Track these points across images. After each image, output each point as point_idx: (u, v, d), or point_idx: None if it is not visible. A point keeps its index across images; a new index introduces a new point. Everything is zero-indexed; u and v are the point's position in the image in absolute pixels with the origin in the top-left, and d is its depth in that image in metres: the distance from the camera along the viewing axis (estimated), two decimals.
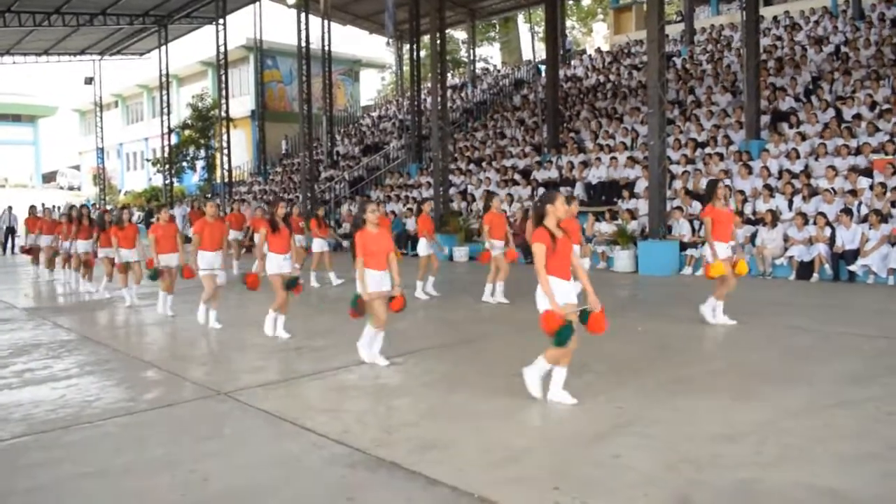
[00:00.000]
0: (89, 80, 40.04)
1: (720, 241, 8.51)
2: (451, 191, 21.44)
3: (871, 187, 13.17)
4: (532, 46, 30.48)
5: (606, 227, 15.74)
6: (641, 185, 16.69)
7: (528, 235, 11.47)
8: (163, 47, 33.55)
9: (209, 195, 34.39)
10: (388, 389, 6.39)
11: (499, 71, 36.11)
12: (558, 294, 5.52)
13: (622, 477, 4.24)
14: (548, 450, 4.72)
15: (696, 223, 14.37)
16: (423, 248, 12.17)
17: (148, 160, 42.25)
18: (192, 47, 40.53)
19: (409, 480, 4.31)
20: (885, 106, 15.83)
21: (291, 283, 8.69)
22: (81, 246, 14.04)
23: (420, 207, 13.36)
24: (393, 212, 21.35)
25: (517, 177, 20.72)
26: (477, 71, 36.35)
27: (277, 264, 8.68)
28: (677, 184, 16.23)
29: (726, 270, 8.40)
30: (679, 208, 15.03)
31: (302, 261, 13.97)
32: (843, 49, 20.07)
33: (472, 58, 36.32)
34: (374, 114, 38.36)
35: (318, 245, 14.13)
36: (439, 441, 4.93)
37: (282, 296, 8.61)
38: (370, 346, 7.20)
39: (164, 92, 34.01)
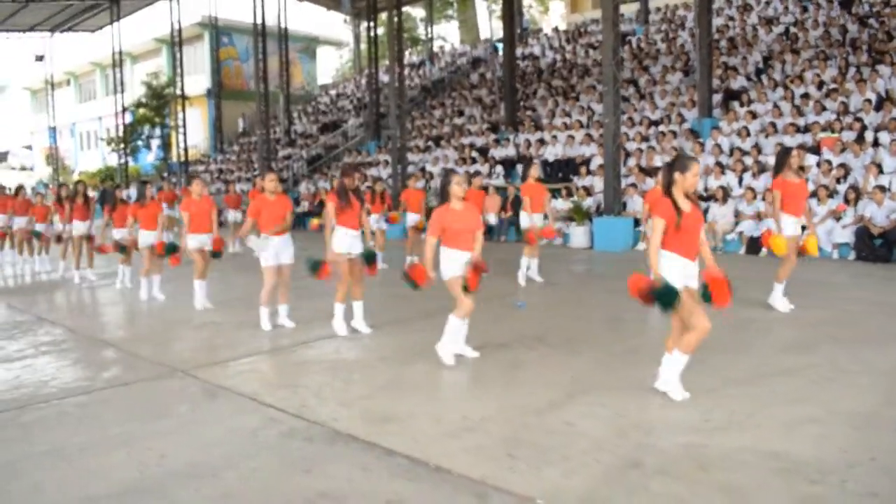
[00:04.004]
0: (40, 58, 39.02)
1: (790, 215, 7.85)
2: (410, 168, 21.43)
3: (819, 164, 13.51)
4: (489, 25, 30.47)
5: (562, 204, 15.91)
6: (597, 163, 16.89)
7: (489, 212, 11.03)
8: (115, 24, 32.80)
9: (164, 175, 33.90)
10: (346, 364, 6.46)
11: (456, 49, 36.03)
12: (677, 273, 4.90)
13: (575, 443, 4.38)
14: (502, 419, 4.83)
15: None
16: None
17: (102, 139, 41.39)
18: (146, 24, 39.77)
19: (366, 452, 4.39)
20: (832, 86, 16.21)
21: (371, 257, 7.45)
22: (78, 228, 12.31)
23: (470, 180, 11.77)
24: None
25: (475, 154, 20.79)
26: (434, 49, 36.22)
27: (347, 242, 7.33)
28: (632, 161, 16.46)
29: (786, 249, 7.78)
30: (633, 185, 15.26)
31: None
32: (793, 30, 20.44)
33: (429, 36, 36.16)
34: (332, 92, 38.05)
35: (374, 222, 12.47)
36: (396, 413, 5.02)
37: (346, 283, 7.35)
38: (455, 341, 6.28)
39: (118, 70, 33.30)
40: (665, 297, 4.82)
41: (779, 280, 8.06)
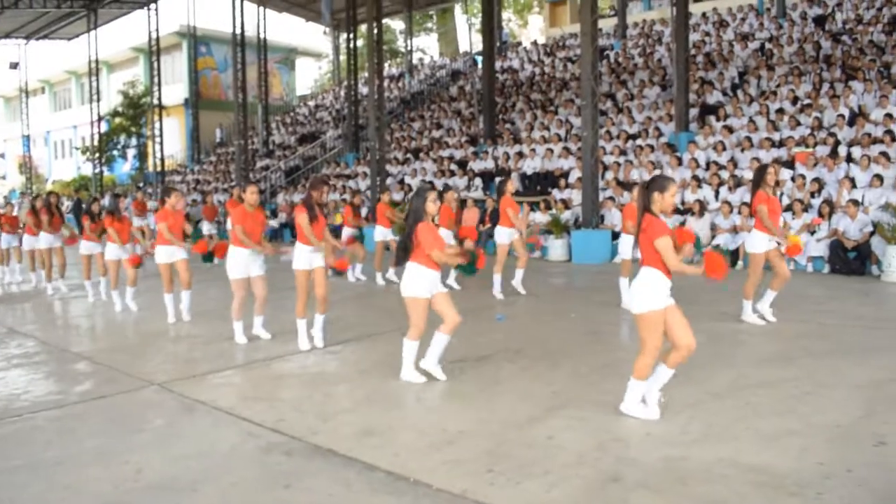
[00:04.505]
0: (14, 65, 38.66)
1: (764, 232, 7.88)
2: (389, 181, 21.43)
3: (793, 179, 13.68)
4: (469, 38, 30.63)
5: (541, 217, 15.96)
6: (575, 176, 16.98)
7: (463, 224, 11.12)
8: (92, 32, 32.55)
9: (140, 185, 33.62)
10: (324, 377, 6.41)
11: (435, 62, 36.16)
12: (660, 291, 4.89)
13: (555, 457, 4.37)
14: (483, 433, 4.82)
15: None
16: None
17: (77, 148, 41.01)
18: (123, 33, 39.44)
19: (346, 466, 4.36)
20: (807, 101, 16.45)
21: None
22: (45, 240, 12.33)
23: (441, 196, 11.90)
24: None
25: (454, 167, 20.82)
26: (414, 61, 36.32)
27: (307, 258, 7.28)
28: (609, 174, 16.57)
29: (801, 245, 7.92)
30: (611, 198, 15.36)
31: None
32: (768, 45, 20.74)
33: (409, 48, 36.28)
34: (311, 103, 38.00)
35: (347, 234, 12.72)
36: (376, 427, 4.99)
37: (305, 298, 7.34)
38: (413, 361, 6.18)
39: (94, 78, 33.03)
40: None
41: (746, 296, 8.14)
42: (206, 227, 17.71)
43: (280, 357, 7.13)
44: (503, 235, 10.37)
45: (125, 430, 5.13)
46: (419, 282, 6.00)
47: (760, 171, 8.00)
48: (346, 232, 12.95)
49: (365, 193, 21.11)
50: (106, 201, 21.87)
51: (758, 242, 7.97)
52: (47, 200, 12.73)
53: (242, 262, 7.76)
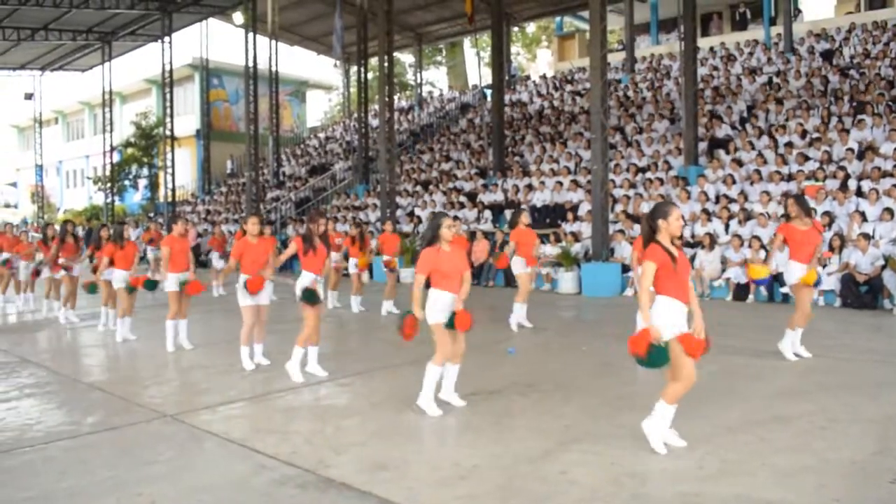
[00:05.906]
0: (29, 96, 39.22)
1: (798, 262, 7.83)
2: (398, 212, 21.53)
3: None
4: (478, 71, 30.92)
5: (551, 250, 15.98)
6: (584, 209, 17.03)
7: (478, 256, 11.19)
8: (106, 64, 33.04)
9: (151, 215, 33.82)
10: (336, 410, 6.41)
11: (444, 95, 36.48)
12: (673, 317, 4.92)
13: (569, 492, 4.35)
14: (496, 467, 4.80)
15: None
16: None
17: (89, 178, 41.38)
18: (137, 64, 40.04)
19: (360, 500, 4.34)
20: (815, 135, 16.51)
21: (311, 296, 7.41)
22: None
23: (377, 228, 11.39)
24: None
25: (463, 199, 20.91)
26: (423, 94, 36.64)
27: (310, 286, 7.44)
28: (619, 207, 16.61)
29: (763, 274, 8.10)
30: (621, 231, 15.38)
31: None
32: (776, 80, 20.86)
33: (418, 81, 36.62)
34: (321, 135, 38.30)
35: (353, 265, 12.98)
36: (389, 461, 4.98)
37: (313, 325, 7.42)
38: (434, 391, 6.17)
39: (107, 109, 33.45)
40: (659, 357, 4.88)
41: (797, 326, 8.02)
42: (216, 258, 17.67)
43: (291, 389, 7.13)
44: (519, 265, 10.39)
45: (138, 462, 5.13)
46: (434, 306, 6.06)
47: (786, 201, 8.00)
48: (352, 262, 13.01)
49: (375, 225, 21.19)
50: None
51: (795, 273, 7.92)
52: (63, 228, 12.80)
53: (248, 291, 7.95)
